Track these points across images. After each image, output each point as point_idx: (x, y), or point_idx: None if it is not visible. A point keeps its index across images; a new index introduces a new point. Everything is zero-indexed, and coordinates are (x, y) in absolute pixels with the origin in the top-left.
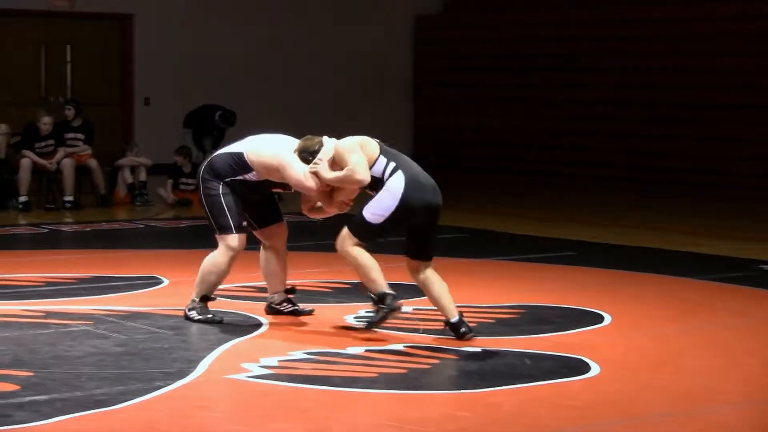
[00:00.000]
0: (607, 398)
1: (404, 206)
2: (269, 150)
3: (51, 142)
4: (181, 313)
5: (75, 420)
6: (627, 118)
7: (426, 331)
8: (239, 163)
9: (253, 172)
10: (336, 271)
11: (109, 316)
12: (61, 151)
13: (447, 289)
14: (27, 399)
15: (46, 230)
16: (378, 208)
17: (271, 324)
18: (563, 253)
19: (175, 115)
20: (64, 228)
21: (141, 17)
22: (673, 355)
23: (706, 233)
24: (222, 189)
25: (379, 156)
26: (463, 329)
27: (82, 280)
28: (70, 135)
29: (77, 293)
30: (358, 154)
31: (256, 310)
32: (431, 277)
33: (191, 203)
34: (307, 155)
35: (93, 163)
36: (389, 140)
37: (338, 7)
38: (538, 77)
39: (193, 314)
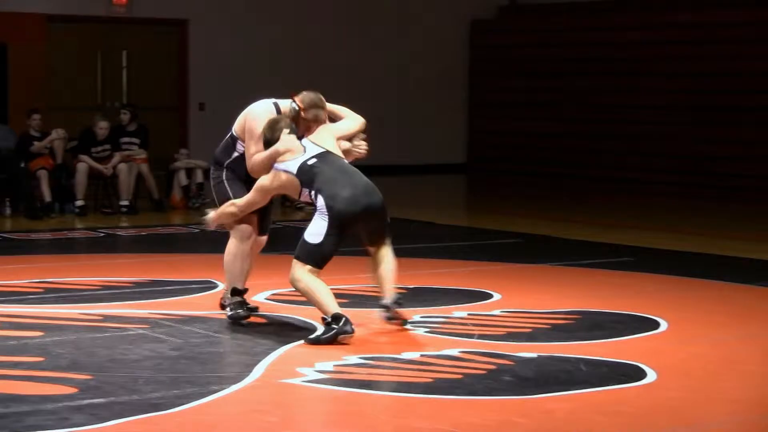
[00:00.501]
0: (663, 405)
1: (335, 222)
2: (242, 117)
3: (107, 146)
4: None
5: (132, 423)
6: (681, 122)
7: (481, 337)
8: (230, 140)
9: (240, 141)
10: None
11: (165, 319)
12: (117, 156)
13: (392, 271)
14: (85, 402)
15: (103, 234)
16: (314, 229)
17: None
18: (618, 259)
19: (229, 119)
20: (121, 232)
21: (196, 22)
22: (730, 361)
23: (757, 238)
24: (225, 174)
25: (302, 188)
26: (387, 303)
27: (138, 284)
28: (126, 139)
29: (134, 297)
30: (263, 188)
31: (311, 315)
32: (382, 255)
33: None
34: (268, 138)
35: (144, 168)
36: (443, 144)
37: (394, 11)
38: (591, 81)
39: (227, 310)
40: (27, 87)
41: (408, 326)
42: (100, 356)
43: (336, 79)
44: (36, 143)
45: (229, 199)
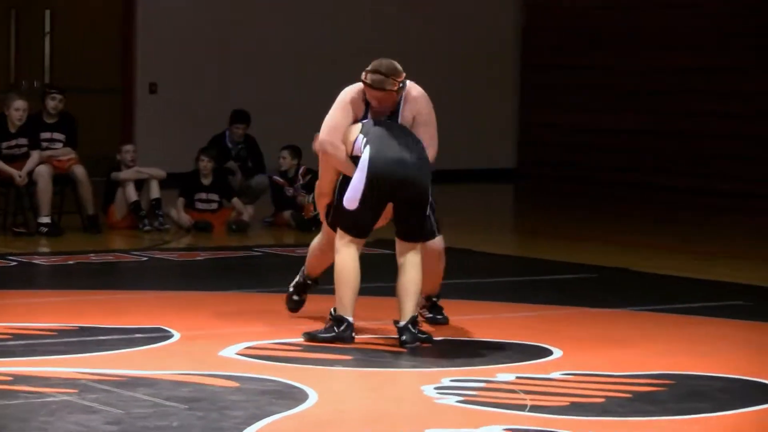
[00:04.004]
0: None
1: (371, 180)
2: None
3: (23, 141)
4: (195, 380)
5: None
6: None
7: (534, 409)
8: None
9: None
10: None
11: (99, 382)
12: (36, 156)
13: (414, 284)
14: None
15: (15, 263)
16: (350, 189)
17: (321, 395)
18: (727, 302)
19: (188, 106)
20: (40, 260)
21: None
22: None
23: None
24: None
25: (358, 135)
26: (404, 337)
27: (62, 333)
28: (46, 135)
29: (56, 350)
30: None
31: (300, 377)
32: (406, 264)
33: (212, 228)
34: None
35: (79, 171)
36: (485, 142)
37: None
38: (689, 58)
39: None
40: None
41: (433, 394)
42: (10, 431)
43: (327, 57)
44: None
45: None
